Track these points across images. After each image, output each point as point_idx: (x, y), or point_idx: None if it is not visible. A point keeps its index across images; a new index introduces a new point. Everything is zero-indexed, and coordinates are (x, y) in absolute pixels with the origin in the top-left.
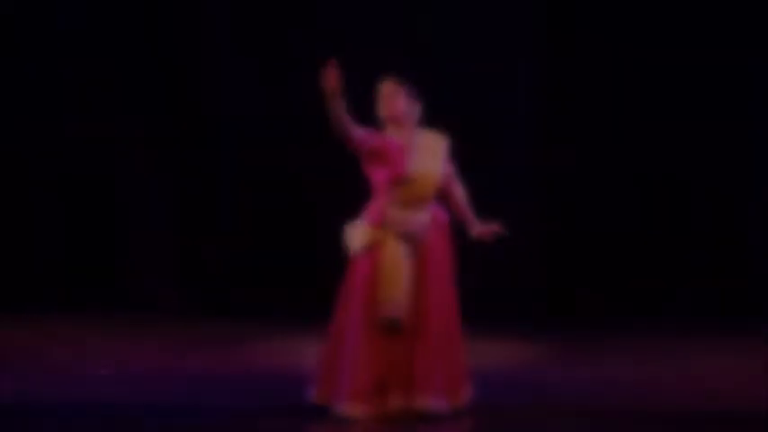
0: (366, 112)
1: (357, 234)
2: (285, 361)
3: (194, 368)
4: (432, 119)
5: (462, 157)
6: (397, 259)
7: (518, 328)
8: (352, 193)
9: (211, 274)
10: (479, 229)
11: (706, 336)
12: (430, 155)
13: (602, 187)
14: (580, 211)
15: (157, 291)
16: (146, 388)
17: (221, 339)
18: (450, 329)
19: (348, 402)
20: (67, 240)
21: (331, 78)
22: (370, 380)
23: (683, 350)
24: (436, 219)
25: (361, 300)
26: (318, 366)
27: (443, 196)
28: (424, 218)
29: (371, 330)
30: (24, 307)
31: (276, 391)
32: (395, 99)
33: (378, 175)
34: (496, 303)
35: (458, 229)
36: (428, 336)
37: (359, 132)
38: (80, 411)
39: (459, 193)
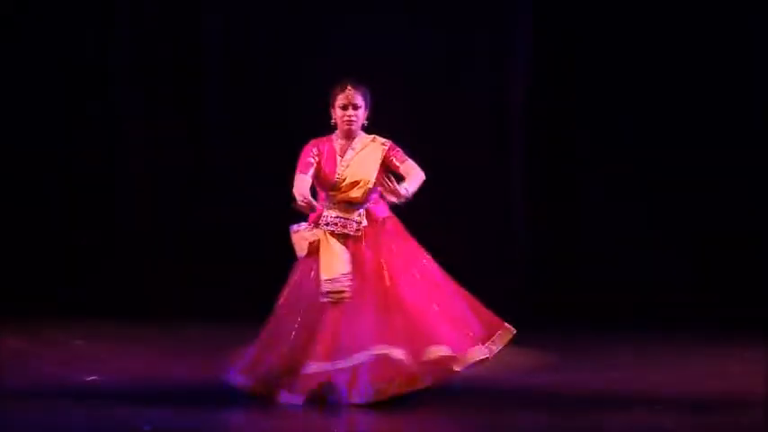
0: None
1: (299, 238)
2: None
3: (180, 373)
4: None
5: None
6: (334, 248)
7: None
8: None
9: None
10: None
11: (707, 339)
12: (360, 162)
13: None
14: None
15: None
16: (131, 393)
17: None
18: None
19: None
20: (55, 243)
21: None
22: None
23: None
24: (374, 217)
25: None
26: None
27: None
28: (358, 218)
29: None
30: (10, 310)
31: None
32: (357, 110)
33: (316, 181)
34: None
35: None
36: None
37: (307, 182)
38: (65, 417)
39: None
